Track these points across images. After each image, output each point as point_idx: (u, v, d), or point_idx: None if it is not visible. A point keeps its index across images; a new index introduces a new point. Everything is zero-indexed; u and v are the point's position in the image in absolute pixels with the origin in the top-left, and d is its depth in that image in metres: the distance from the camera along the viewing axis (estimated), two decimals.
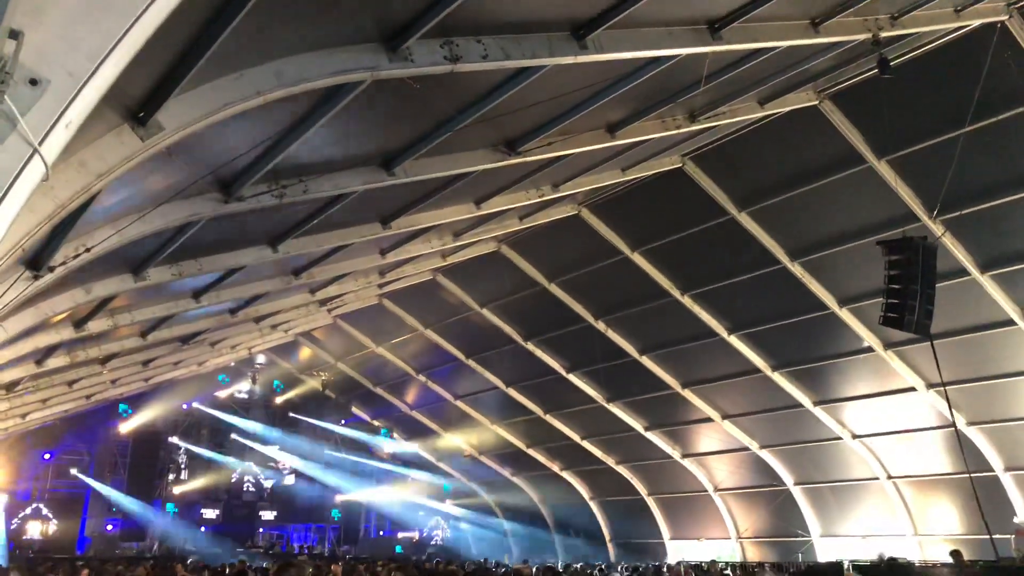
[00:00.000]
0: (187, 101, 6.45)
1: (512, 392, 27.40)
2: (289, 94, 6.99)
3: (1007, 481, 20.00)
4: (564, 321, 22.78)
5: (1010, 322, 16.90)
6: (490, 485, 35.14)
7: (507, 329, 24.16)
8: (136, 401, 31.19)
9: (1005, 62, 12.47)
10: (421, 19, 7.09)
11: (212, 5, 5.58)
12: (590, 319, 22.30)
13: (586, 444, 28.61)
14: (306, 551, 34.66)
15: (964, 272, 16.25)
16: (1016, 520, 18.39)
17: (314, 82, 7.03)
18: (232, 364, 32.94)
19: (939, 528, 21.94)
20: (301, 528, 37.64)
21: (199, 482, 34.37)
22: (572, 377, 25.11)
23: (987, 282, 16.36)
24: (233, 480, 35.52)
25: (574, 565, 24.80)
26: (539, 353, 24.64)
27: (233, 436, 35.74)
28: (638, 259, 19.56)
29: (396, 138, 10.12)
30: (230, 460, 35.37)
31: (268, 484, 36.38)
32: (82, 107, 3.48)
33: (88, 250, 8.60)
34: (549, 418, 27.99)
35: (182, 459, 34.49)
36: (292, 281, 15.48)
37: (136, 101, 6.24)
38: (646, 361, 23.07)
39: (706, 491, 27.23)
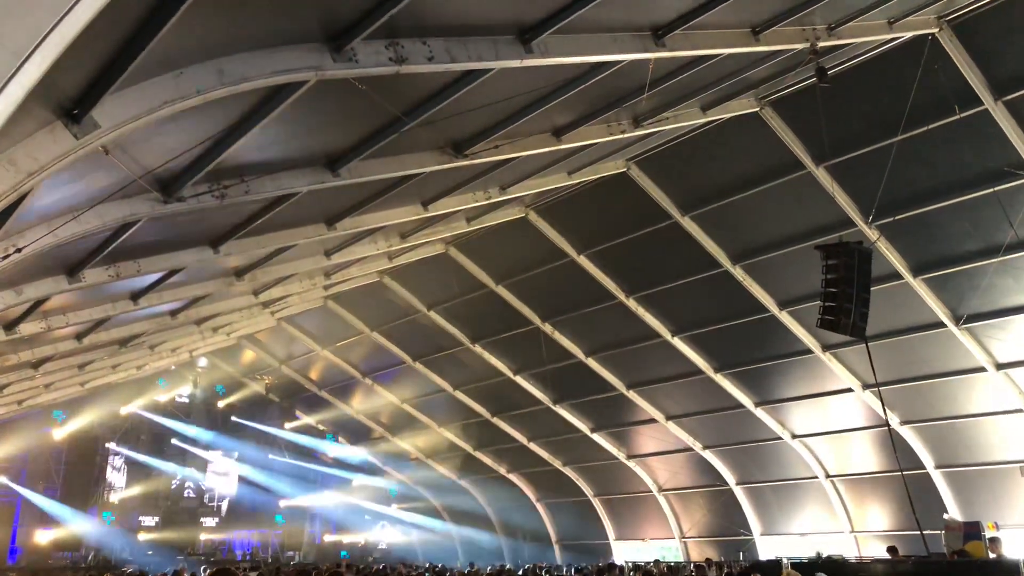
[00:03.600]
0: (124, 99, 6.30)
1: (459, 395, 27.35)
2: (231, 93, 6.88)
3: (937, 478, 20.70)
4: (511, 323, 22.84)
5: (940, 324, 17.49)
6: (437, 488, 35.01)
7: (454, 331, 24.11)
8: (71, 406, 30.15)
9: (935, 74, 12.92)
10: (366, 19, 7.04)
11: (148, 2, 5.45)
12: (537, 321, 22.40)
13: (533, 446, 28.71)
14: (248, 558, 34.01)
15: (897, 276, 16.77)
16: (946, 516, 19.01)
17: (256, 81, 6.94)
18: (172, 368, 32.15)
19: (874, 525, 22.60)
20: (244, 534, 36.86)
21: (137, 489, 33.33)
22: (519, 379, 25.18)
23: (919, 286, 16.91)
24: (173, 487, 34.61)
25: (525, 566, 24.89)
26: (486, 355, 24.65)
27: (173, 441, 34.76)
28: (584, 262, 19.73)
29: (341, 139, 10.03)
30: (170, 466, 34.43)
31: (210, 490, 35.56)
32: (7, 103, 3.37)
33: (19, 250, 8.33)
34: (496, 420, 28.02)
35: (120, 466, 33.47)
36: (234, 283, 15.22)
37: (70, 98, 6.08)
38: (592, 363, 23.27)
39: (650, 492, 27.57)
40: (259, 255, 14.09)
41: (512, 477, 31.35)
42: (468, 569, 25.01)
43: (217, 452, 35.60)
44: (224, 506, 35.66)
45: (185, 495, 34.87)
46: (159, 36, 5.62)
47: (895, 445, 17.91)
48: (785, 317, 18.99)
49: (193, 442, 34.98)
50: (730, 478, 25.33)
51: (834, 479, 23.17)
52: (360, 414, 32.17)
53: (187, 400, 35.53)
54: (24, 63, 3.25)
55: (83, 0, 3.25)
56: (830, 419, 21.80)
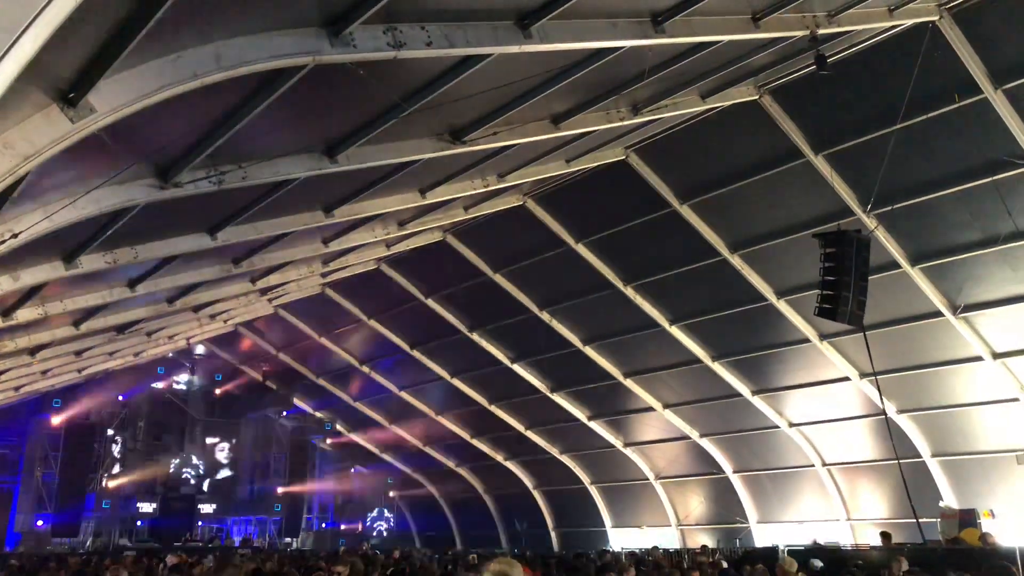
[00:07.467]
0: (121, 82, 6.25)
1: (457, 383, 27.38)
2: (228, 77, 6.82)
3: (933, 466, 20.77)
4: (509, 311, 22.83)
5: (938, 313, 17.50)
6: (434, 476, 35.11)
7: (452, 319, 24.11)
8: (69, 393, 30.17)
9: (935, 62, 12.86)
10: (364, 4, 6.98)
11: None
12: (535, 309, 22.39)
13: (530, 434, 28.76)
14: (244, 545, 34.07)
15: (895, 265, 16.76)
16: (941, 504, 19.11)
17: (254, 65, 6.88)
18: (170, 355, 32.16)
19: (870, 513, 22.68)
20: (241, 521, 36.95)
21: (135, 475, 33.40)
22: (517, 367, 25.21)
23: (917, 275, 16.90)
24: (171, 473, 34.68)
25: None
26: (484, 343, 24.66)
27: (171, 428, 34.92)
28: (582, 250, 19.70)
29: (339, 124, 9.98)
30: (168, 453, 34.56)
31: (207, 477, 35.61)
32: (1, 80, 3.33)
33: (15, 236, 8.29)
34: (494, 408, 28.06)
35: (118, 452, 33.52)
36: (232, 269, 15.18)
37: (66, 81, 6.02)
38: (589, 351, 23.29)
39: (647, 479, 27.65)
40: (257, 242, 14.04)
41: (509, 465, 31.43)
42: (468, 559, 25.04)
43: (215, 439, 35.67)
44: (222, 493, 35.74)
45: (183, 482, 34.93)
46: (156, 18, 5.56)
47: (892, 433, 17.96)
48: (783, 306, 18.99)
49: (191, 429, 35.04)
50: (727, 466, 25.41)
51: (831, 467, 23.24)
52: (358, 402, 32.21)
53: (185, 387, 35.57)
54: (18, 39, 3.21)
55: None
56: (827, 407, 21.84)
